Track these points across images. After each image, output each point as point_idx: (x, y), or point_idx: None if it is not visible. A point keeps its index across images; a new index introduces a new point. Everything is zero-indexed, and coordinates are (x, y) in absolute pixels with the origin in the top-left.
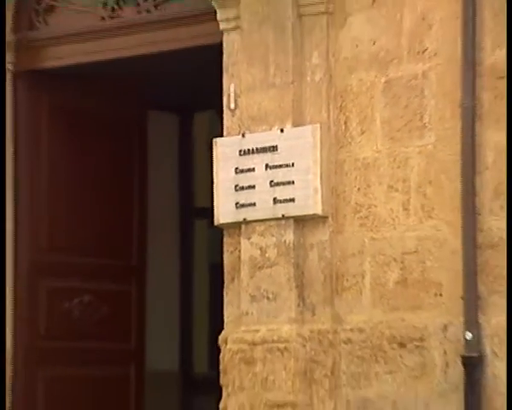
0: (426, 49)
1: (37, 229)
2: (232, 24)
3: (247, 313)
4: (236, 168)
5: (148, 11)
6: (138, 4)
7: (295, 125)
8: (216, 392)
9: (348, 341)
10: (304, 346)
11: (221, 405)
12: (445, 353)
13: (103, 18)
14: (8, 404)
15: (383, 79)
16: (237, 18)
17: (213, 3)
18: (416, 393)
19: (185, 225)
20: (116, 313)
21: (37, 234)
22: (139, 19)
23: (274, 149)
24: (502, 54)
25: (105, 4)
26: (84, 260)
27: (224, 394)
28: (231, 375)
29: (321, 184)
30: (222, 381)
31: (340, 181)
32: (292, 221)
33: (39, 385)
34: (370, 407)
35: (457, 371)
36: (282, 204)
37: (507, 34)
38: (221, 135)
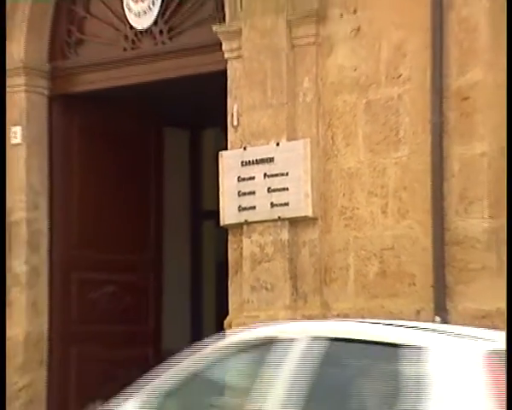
0: (400, 75)
1: (70, 229)
2: (235, 53)
3: (248, 301)
4: (239, 177)
5: (164, 43)
6: (155, 37)
7: (289, 139)
8: None
9: None
10: None
11: None
12: None
13: (125, 49)
14: (44, 379)
15: (364, 101)
16: (239, 48)
17: (219, 36)
18: None
19: (195, 226)
20: (136, 301)
21: (70, 234)
22: (156, 49)
23: (271, 160)
24: (465, 79)
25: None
26: (110, 255)
27: None
28: None
29: (311, 190)
30: None
31: (328, 188)
32: (287, 222)
33: (71, 363)
34: None
35: None
36: (278, 208)
37: (507, 40)
38: (225, 148)
